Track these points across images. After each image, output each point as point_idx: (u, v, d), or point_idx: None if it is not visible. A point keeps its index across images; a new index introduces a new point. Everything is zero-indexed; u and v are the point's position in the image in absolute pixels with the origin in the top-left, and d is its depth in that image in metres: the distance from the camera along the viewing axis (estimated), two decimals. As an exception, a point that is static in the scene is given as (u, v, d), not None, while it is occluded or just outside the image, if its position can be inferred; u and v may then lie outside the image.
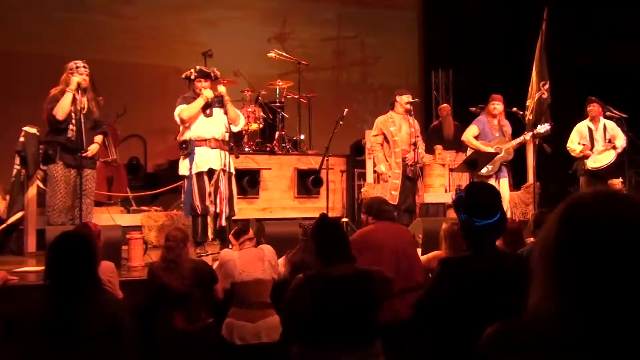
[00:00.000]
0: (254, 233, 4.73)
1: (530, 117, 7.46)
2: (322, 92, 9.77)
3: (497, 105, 6.98)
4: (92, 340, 2.48)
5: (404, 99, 6.56)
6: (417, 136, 6.53)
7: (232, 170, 5.98)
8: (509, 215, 6.49)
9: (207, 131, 5.82)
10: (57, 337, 2.48)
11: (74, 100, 5.67)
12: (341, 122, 6.69)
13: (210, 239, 6.29)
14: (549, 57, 7.60)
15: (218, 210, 5.80)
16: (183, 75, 6.04)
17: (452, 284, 2.48)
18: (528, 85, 7.72)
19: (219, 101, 5.90)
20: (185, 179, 5.88)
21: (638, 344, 0.96)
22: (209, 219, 6.01)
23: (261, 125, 8.25)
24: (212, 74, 5.98)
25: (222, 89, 5.97)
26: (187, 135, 5.84)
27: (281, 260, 4.44)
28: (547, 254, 1.06)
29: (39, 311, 2.58)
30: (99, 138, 6.01)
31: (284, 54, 8.72)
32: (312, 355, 2.99)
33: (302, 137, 8.59)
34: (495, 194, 2.66)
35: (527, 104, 7.61)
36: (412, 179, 6.51)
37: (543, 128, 7.04)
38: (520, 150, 7.78)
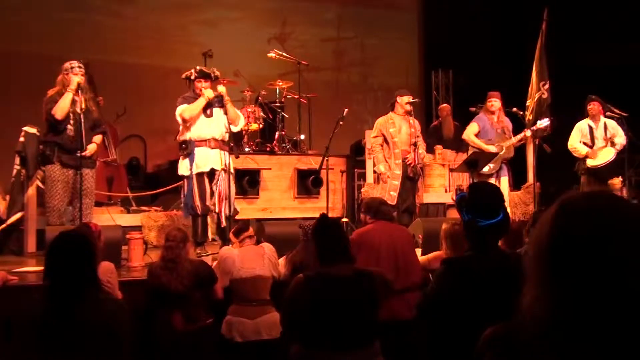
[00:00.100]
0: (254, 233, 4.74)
1: (530, 117, 7.47)
2: (322, 92, 9.77)
3: (494, 102, 6.98)
4: (91, 340, 2.48)
5: (404, 100, 6.56)
6: (418, 136, 6.54)
7: (232, 171, 5.98)
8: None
9: (207, 131, 5.82)
10: (56, 337, 2.48)
11: (73, 100, 5.68)
12: (341, 123, 6.69)
13: (210, 239, 6.30)
14: (549, 57, 7.60)
15: (217, 210, 5.80)
16: (183, 76, 6.05)
17: (455, 284, 2.47)
18: (528, 85, 7.72)
19: (219, 101, 5.91)
20: (185, 179, 5.88)
21: (632, 344, 0.96)
22: (209, 219, 6.01)
23: (261, 126, 8.25)
24: (212, 74, 5.99)
25: (222, 89, 5.97)
26: (187, 135, 5.85)
27: (281, 261, 4.44)
28: (540, 254, 1.06)
29: (39, 311, 2.57)
30: (97, 138, 6.01)
31: (284, 54, 8.71)
32: (312, 355, 2.99)
33: (302, 137, 8.58)
34: (499, 193, 2.66)
35: (527, 104, 7.61)
36: (413, 179, 6.51)
37: (543, 123, 7.04)
38: (521, 150, 7.78)
